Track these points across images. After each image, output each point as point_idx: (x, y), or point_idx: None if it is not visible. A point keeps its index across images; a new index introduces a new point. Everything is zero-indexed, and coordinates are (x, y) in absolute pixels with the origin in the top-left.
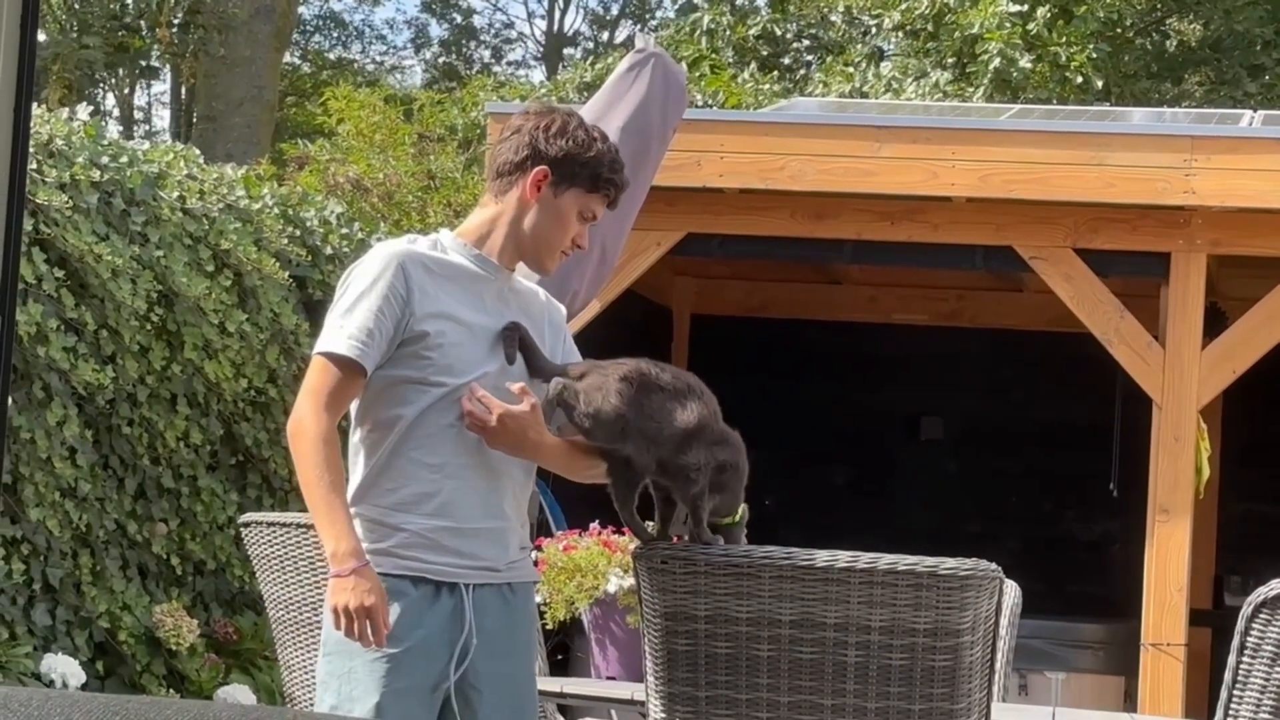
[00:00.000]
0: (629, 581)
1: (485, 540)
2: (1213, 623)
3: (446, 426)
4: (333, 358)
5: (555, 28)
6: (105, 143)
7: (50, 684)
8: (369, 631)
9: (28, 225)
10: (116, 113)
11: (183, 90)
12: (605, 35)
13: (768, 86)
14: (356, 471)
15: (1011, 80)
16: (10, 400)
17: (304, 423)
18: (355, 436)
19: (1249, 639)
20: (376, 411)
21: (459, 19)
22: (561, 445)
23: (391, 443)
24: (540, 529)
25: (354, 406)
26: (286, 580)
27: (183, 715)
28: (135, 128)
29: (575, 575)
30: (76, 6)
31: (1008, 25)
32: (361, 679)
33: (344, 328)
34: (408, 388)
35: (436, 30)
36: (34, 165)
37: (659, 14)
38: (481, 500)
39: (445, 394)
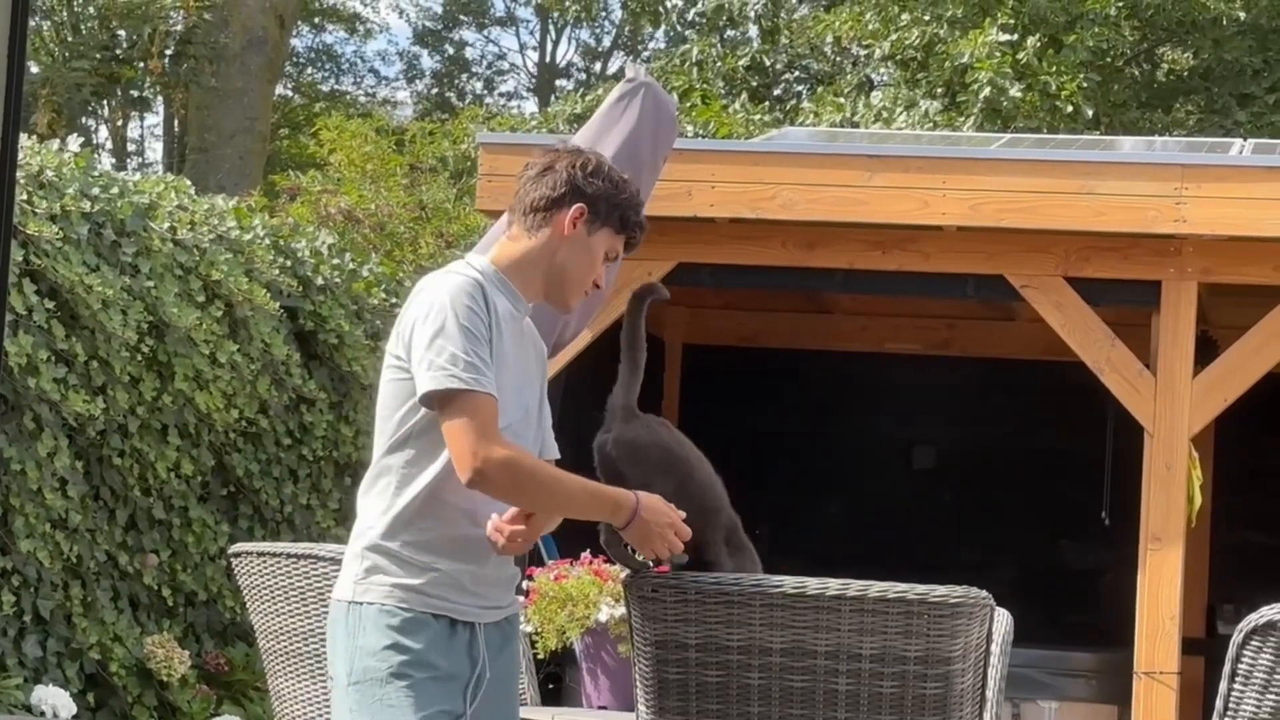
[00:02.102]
0: (620, 610)
1: (499, 584)
2: (1205, 651)
3: None
4: (466, 395)
5: (547, 59)
6: (96, 174)
7: (41, 715)
8: (674, 539)
9: (18, 256)
10: (109, 146)
11: (175, 123)
12: (597, 67)
13: (759, 117)
14: (385, 498)
15: (1002, 110)
16: (0, 432)
17: (491, 460)
18: (392, 460)
19: (1240, 666)
20: (422, 445)
21: (451, 51)
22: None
23: (430, 481)
24: (532, 558)
25: (394, 427)
26: (277, 610)
27: None
28: (128, 160)
29: (567, 604)
30: (69, 39)
31: (997, 55)
32: (397, 704)
33: (459, 362)
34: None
35: (429, 62)
36: (24, 196)
37: (650, 45)
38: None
39: None
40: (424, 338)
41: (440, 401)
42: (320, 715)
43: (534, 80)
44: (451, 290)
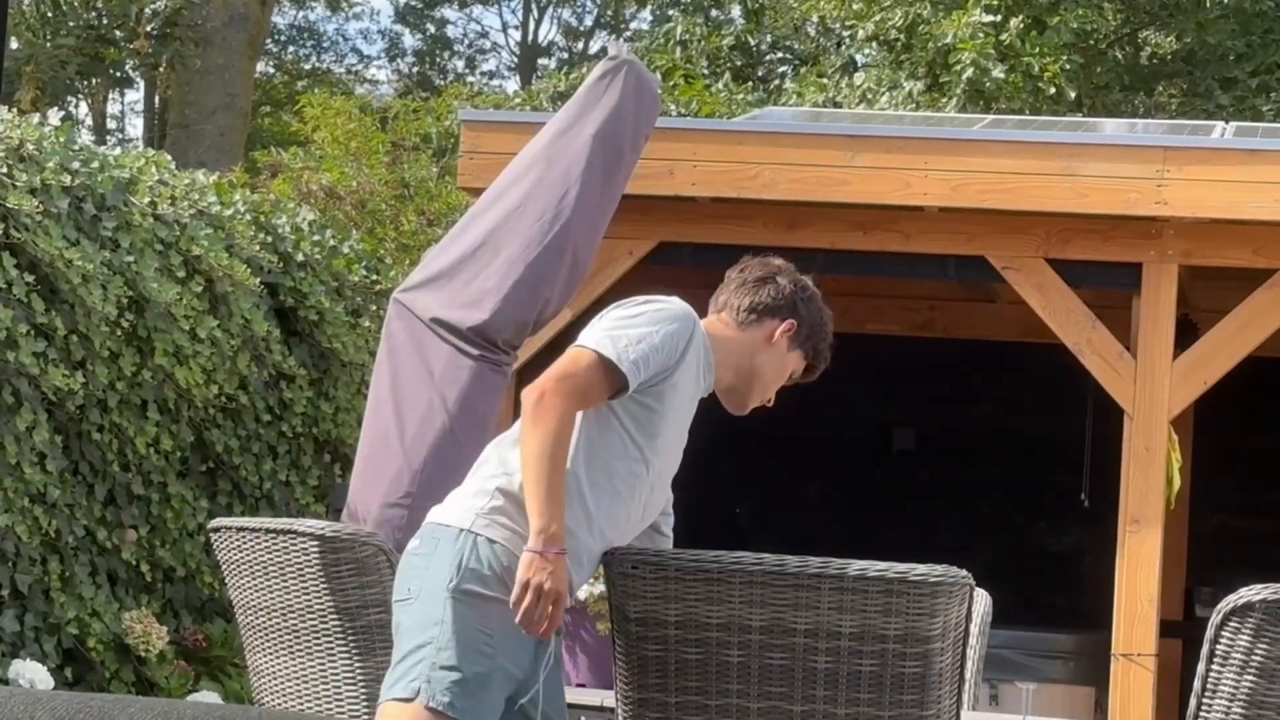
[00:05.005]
0: (599, 588)
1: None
2: (1183, 634)
3: (611, 483)
4: (609, 366)
5: (529, 38)
6: (76, 147)
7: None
8: (545, 619)
9: None
10: (90, 121)
11: (156, 99)
12: (580, 45)
13: (742, 96)
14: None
15: (984, 91)
16: None
17: (556, 398)
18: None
19: (1218, 647)
20: (580, 424)
21: (433, 29)
22: None
23: (572, 461)
24: None
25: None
26: (256, 585)
27: (146, 712)
28: (108, 136)
29: None
30: (49, 15)
31: (981, 36)
32: (493, 629)
33: (629, 348)
34: (613, 421)
35: (410, 41)
36: (4, 169)
37: (633, 25)
38: (590, 559)
39: (635, 454)
40: (613, 317)
41: (591, 353)
42: (298, 691)
43: (516, 59)
44: (670, 301)
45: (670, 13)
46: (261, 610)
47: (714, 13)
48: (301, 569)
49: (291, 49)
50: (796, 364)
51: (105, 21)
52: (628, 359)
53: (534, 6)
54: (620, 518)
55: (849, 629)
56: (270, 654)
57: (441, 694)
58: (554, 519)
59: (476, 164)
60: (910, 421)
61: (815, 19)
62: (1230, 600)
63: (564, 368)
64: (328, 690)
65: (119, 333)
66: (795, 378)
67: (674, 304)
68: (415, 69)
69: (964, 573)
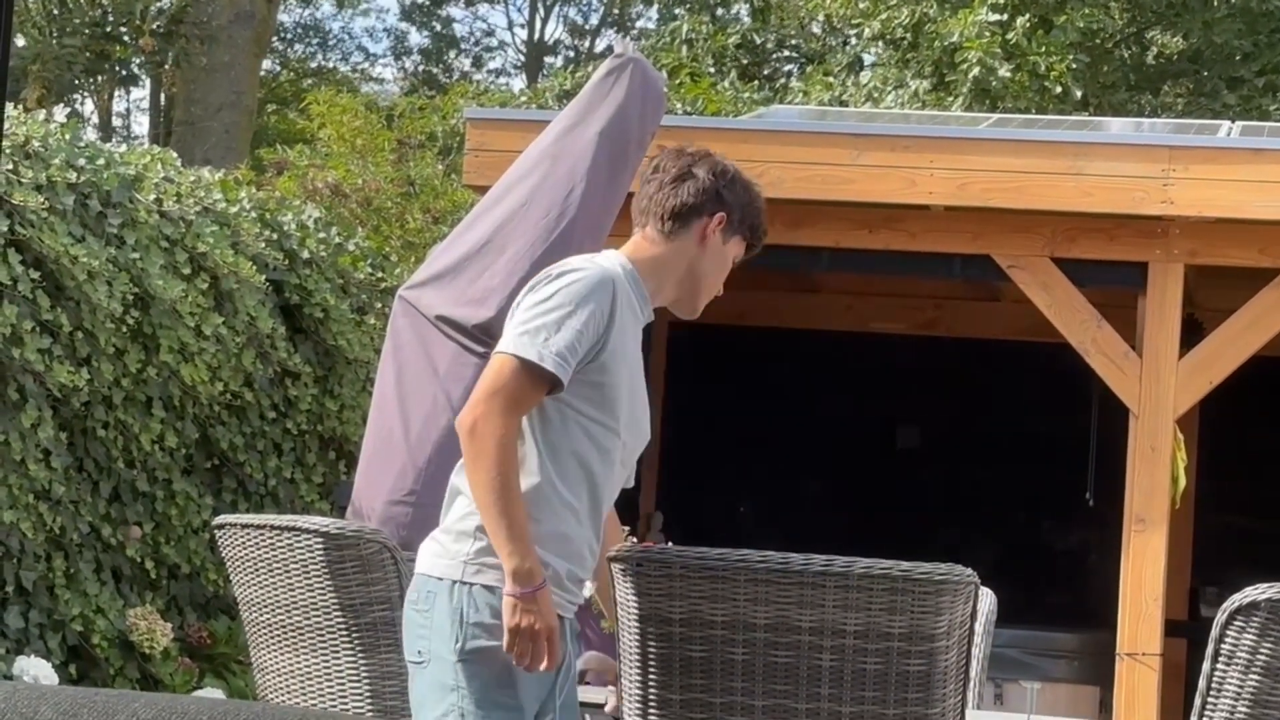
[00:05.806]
0: None
1: (582, 582)
2: (1188, 633)
3: (586, 469)
4: (532, 367)
5: (536, 37)
6: (82, 144)
7: None
8: (544, 655)
9: (3, 226)
10: (95, 119)
11: (161, 96)
12: (585, 44)
13: (747, 95)
14: None
15: (990, 90)
16: None
17: (490, 422)
18: None
19: (1223, 646)
20: (536, 432)
21: (439, 27)
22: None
23: (542, 469)
24: None
25: None
26: (260, 582)
27: (150, 708)
28: (114, 134)
29: None
30: (55, 13)
31: (987, 35)
32: (506, 682)
33: (549, 341)
34: (568, 411)
35: (417, 39)
36: (10, 166)
37: (639, 23)
38: (591, 550)
39: (601, 432)
40: (526, 306)
41: (512, 360)
42: (302, 687)
43: (522, 57)
44: (578, 272)
45: (676, 11)
46: (266, 607)
47: (720, 11)
48: (306, 566)
49: (297, 47)
50: (736, 249)
51: (111, 19)
52: (550, 354)
53: (540, 5)
54: (604, 493)
55: (854, 627)
56: (275, 651)
57: None
58: (524, 555)
59: (482, 161)
60: (914, 420)
61: (821, 17)
62: (1235, 599)
63: (490, 383)
64: (332, 687)
65: (124, 329)
66: (738, 260)
67: (588, 271)
68: (421, 67)
69: (968, 571)
